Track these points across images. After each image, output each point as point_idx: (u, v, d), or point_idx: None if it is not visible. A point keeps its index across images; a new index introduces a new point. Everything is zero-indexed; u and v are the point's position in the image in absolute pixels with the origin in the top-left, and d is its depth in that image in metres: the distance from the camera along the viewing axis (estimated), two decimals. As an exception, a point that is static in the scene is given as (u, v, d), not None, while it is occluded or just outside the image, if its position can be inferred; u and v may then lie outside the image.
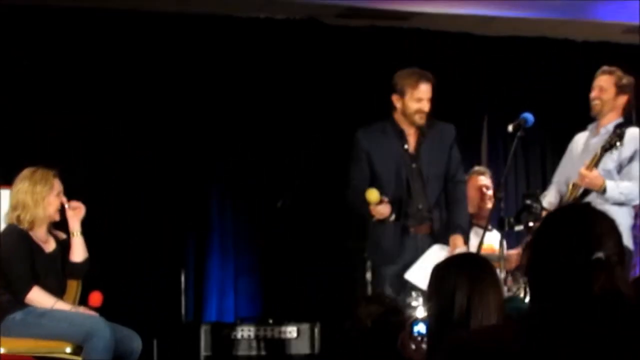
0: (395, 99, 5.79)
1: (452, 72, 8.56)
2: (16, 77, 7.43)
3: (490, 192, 6.93)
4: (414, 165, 5.79)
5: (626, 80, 5.96)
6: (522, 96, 8.36)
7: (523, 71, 8.70)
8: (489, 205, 6.77)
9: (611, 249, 2.18)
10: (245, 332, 6.59)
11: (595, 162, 5.68)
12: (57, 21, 7.61)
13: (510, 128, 5.89)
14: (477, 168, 7.44)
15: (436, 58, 8.48)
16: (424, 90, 5.73)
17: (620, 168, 5.83)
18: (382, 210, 5.60)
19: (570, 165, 6.06)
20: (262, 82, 8.06)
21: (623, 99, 5.96)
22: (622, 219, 5.57)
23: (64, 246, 5.50)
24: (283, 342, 6.50)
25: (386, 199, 5.59)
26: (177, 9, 7.87)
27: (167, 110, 7.82)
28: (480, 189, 7.14)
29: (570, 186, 5.89)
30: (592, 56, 8.55)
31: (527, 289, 6.56)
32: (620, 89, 5.92)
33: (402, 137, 5.80)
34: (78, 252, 5.50)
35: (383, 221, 5.66)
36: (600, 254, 2.15)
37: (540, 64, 8.71)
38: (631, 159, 5.80)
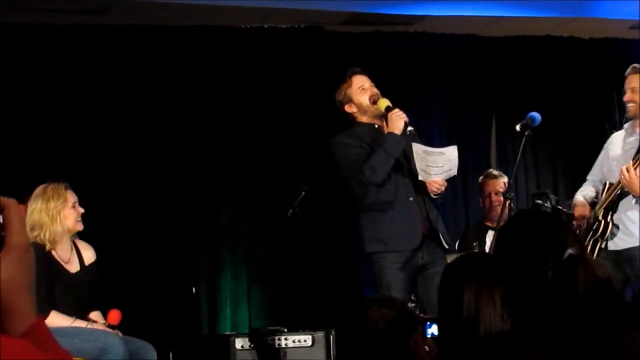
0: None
1: (459, 74, 8.57)
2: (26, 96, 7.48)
3: (499, 197, 6.86)
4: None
5: None
6: (530, 95, 8.36)
7: (530, 70, 8.68)
8: (498, 209, 6.70)
9: (574, 243, 2.20)
10: (260, 342, 6.55)
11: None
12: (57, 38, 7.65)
13: (517, 127, 5.86)
14: (490, 171, 7.40)
15: (443, 60, 8.48)
16: (357, 80, 5.85)
17: None
18: (399, 114, 5.58)
19: (606, 165, 5.96)
20: (268, 91, 8.06)
21: None
22: None
23: (91, 270, 5.44)
24: (299, 351, 6.47)
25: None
26: (181, 22, 7.88)
27: (173, 125, 7.80)
28: (490, 194, 7.12)
29: (607, 185, 5.79)
30: (598, 53, 8.54)
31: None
32: None
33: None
34: None
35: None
36: (570, 250, 2.17)
37: (547, 63, 8.69)
38: None
